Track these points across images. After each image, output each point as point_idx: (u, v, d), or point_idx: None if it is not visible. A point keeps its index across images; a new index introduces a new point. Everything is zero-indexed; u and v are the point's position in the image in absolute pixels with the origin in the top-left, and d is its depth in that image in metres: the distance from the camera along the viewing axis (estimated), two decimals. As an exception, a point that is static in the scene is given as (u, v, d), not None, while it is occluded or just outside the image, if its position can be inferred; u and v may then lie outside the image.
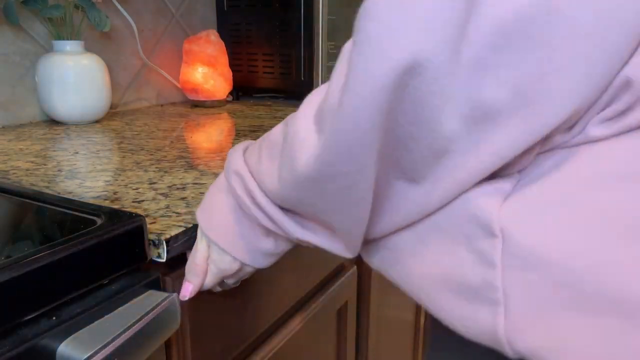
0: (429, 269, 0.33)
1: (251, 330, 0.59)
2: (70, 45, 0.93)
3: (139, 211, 0.49)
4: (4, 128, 0.92)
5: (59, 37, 0.93)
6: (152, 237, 0.43)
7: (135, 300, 0.40)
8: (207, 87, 1.20)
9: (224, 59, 1.23)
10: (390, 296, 1.07)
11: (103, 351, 0.34)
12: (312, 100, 0.34)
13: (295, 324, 0.69)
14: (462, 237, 0.30)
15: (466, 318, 0.31)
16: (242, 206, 0.40)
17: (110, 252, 0.39)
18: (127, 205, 0.51)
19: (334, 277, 0.82)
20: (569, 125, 0.29)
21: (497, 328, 0.29)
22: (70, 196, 0.53)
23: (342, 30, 1.27)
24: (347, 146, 0.29)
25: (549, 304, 0.28)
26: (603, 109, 0.28)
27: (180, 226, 0.45)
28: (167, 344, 0.48)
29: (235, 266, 0.43)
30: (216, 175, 0.62)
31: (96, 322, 0.37)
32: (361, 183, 0.31)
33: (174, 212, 0.49)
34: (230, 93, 1.36)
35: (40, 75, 0.91)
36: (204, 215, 0.43)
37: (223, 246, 0.42)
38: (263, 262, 0.43)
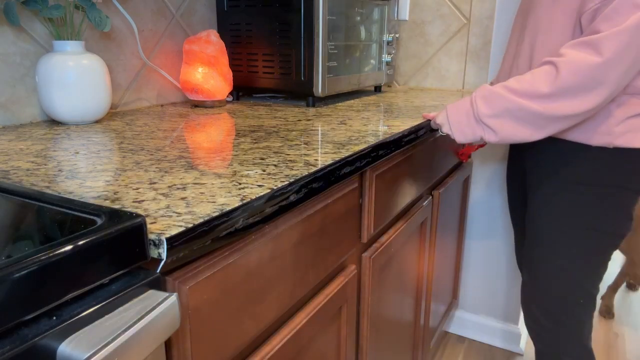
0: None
1: (251, 330, 0.59)
2: (70, 46, 0.93)
3: (139, 211, 0.49)
4: (5, 128, 0.92)
5: (60, 38, 0.93)
6: (152, 236, 0.43)
7: (135, 300, 0.40)
8: (207, 87, 1.20)
9: (224, 59, 1.23)
10: (389, 296, 1.07)
11: (103, 351, 0.34)
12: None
13: (296, 324, 0.69)
14: None
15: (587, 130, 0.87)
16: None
17: (111, 252, 0.39)
18: (128, 205, 0.51)
19: (334, 277, 0.82)
20: None
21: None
22: (70, 196, 0.53)
23: (342, 30, 1.27)
24: None
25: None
26: None
27: (180, 226, 0.45)
28: (167, 344, 0.48)
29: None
30: (216, 175, 0.62)
31: (96, 322, 0.37)
32: None
33: (174, 212, 0.49)
34: (230, 93, 1.36)
35: (40, 75, 0.91)
36: (452, 109, 0.95)
37: (452, 127, 0.95)
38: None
